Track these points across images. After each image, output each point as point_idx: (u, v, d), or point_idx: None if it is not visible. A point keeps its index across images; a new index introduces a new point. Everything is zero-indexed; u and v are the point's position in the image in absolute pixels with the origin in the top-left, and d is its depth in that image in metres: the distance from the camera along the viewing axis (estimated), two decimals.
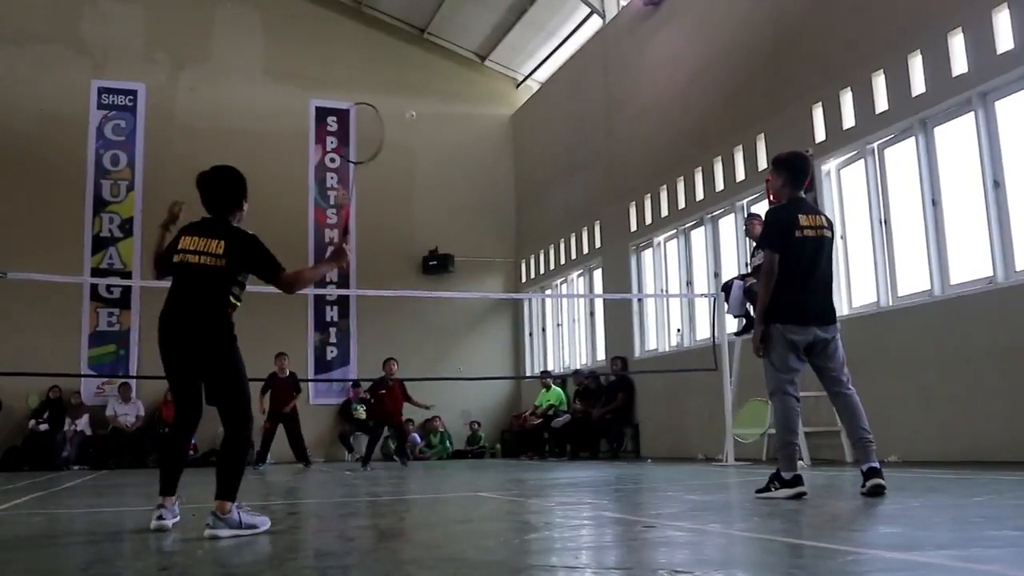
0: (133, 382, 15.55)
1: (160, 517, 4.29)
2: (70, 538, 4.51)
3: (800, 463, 8.94)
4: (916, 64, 9.04)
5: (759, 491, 5.26)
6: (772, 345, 5.27)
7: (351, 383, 16.63)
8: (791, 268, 5.20)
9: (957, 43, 8.58)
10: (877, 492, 4.86)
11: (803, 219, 5.27)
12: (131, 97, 16.87)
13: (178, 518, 4.42)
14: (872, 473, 4.95)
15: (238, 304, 4.50)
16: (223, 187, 4.64)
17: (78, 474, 12.68)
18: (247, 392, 4.44)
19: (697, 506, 5.24)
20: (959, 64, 8.54)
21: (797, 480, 5.09)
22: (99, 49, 16.85)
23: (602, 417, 13.71)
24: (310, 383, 16.58)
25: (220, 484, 4.16)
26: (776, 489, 5.12)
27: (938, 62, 8.74)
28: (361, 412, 16.43)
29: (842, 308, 9.93)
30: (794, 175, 5.44)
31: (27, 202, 15.67)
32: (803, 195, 5.58)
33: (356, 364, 16.92)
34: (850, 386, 5.28)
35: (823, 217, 5.47)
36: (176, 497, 4.48)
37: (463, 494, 7.14)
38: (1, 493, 7.81)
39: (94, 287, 15.89)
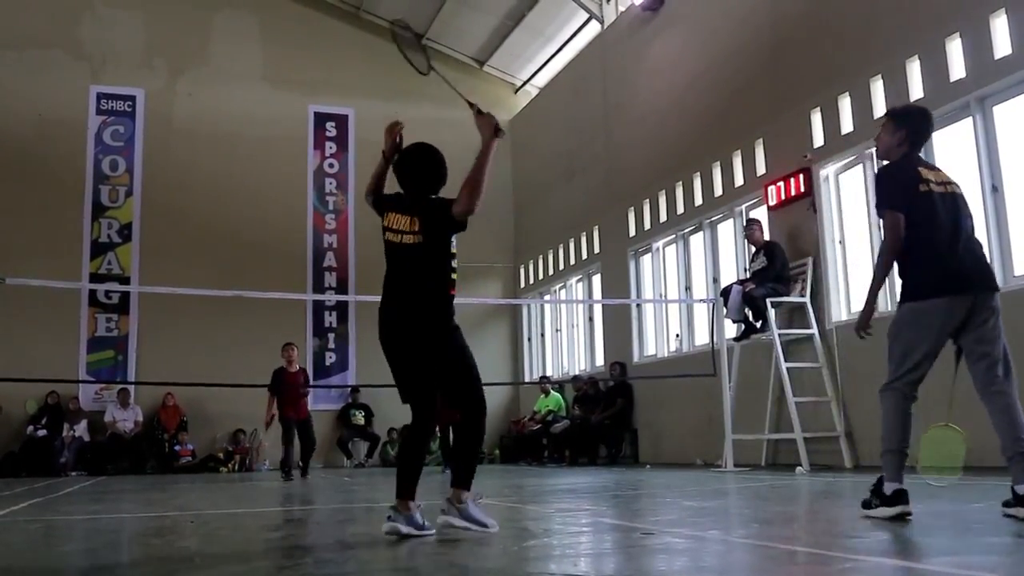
0: (132, 388, 15.55)
1: (389, 519, 4.18)
2: (68, 545, 4.50)
3: (799, 469, 8.93)
4: (914, 69, 9.05)
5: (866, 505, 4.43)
6: (901, 329, 4.42)
7: (350, 389, 16.62)
8: (926, 230, 4.31)
9: (955, 48, 8.59)
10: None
11: (925, 172, 4.48)
12: (130, 103, 16.88)
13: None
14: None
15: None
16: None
17: (76, 480, 12.66)
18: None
19: (696, 512, 5.23)
20: (957, 69, 8.55)
21: (900, 496, 4.23)
22: (98, 55, 16.87)
23: (601, 422, 13.70)
24: (309, 389, 16.56)
25: (457, 471, 4.31)
26: (875, 507, 4.32)
27: (936, 67, 8.75)
28: (360, 418, 16.42)
29: (840, 313, 9.95)
30: (918, 132, 4.64)
31: (26, 207, 15.68)
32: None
33: (355, 370, 16.90)
34: (1010, 384, 4.31)
35: (945, 173, 4.64)
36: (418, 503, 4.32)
37: None
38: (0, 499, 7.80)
39: (93, 292, 15.88)
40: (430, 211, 4.28)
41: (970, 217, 4.51)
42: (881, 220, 4.49)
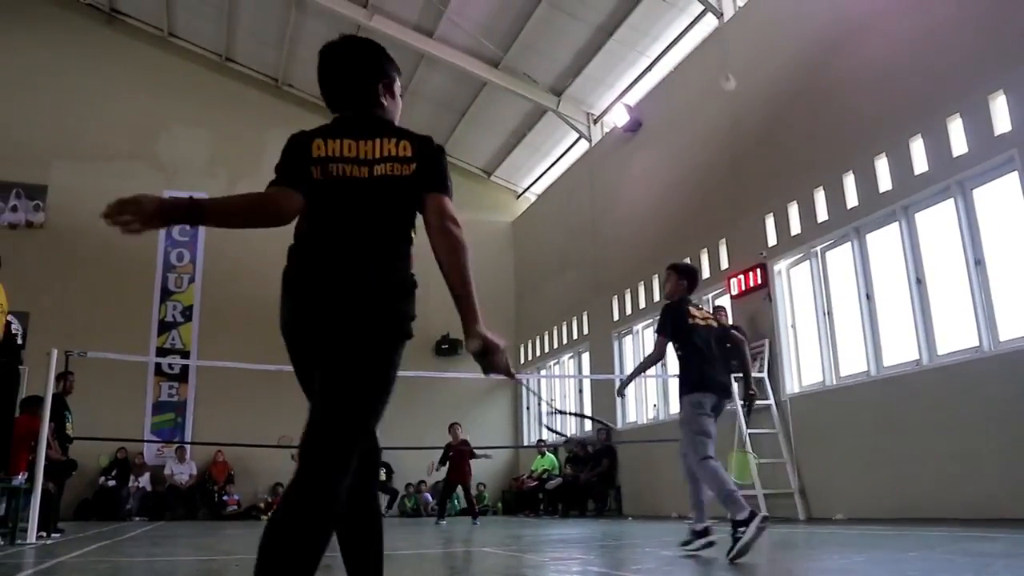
0: (188, 446, 15.45)
1: None
2: None
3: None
4: (849, 182, 9.21)
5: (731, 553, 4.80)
6: (692, 416, 5.31)
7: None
8: (695, 348, 5.47)
9: (882, 165, 8.76)
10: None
11: (693, 311, 5.64)
12: None
13: None
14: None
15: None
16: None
17: (139, 525, 12.47)
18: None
19: (670, 561, 5.15)
20: (884, 183, 8.71)
21: (753, 515, 4.75)
22: (171, 164, 17.21)
23: (589, 480, 13.52)
24: None
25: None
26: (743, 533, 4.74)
27: (867, 181, 8.91)
28: (381, 474, 16.18)
29: (793, 386, 9.92)
30: (692, 281, 5.83)
31: (106, 292, 15.83)
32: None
33: (381, 435, 16.75)
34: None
35: (707, 311, 5.97)
36: None
37: (469, 549, 7.03)
38: (74, 541, 7.68)
39: (158, 364, 15.89)
40: (421, 139, 2.39)
41: (723, 342, 5.70)
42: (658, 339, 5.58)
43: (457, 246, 2.25)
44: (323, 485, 2.03)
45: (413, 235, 2.37)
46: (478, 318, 2.27)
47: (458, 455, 12.62)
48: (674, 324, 5.51)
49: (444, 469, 12.86)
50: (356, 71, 2.50)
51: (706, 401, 5.30)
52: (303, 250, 2.37)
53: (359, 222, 2.28)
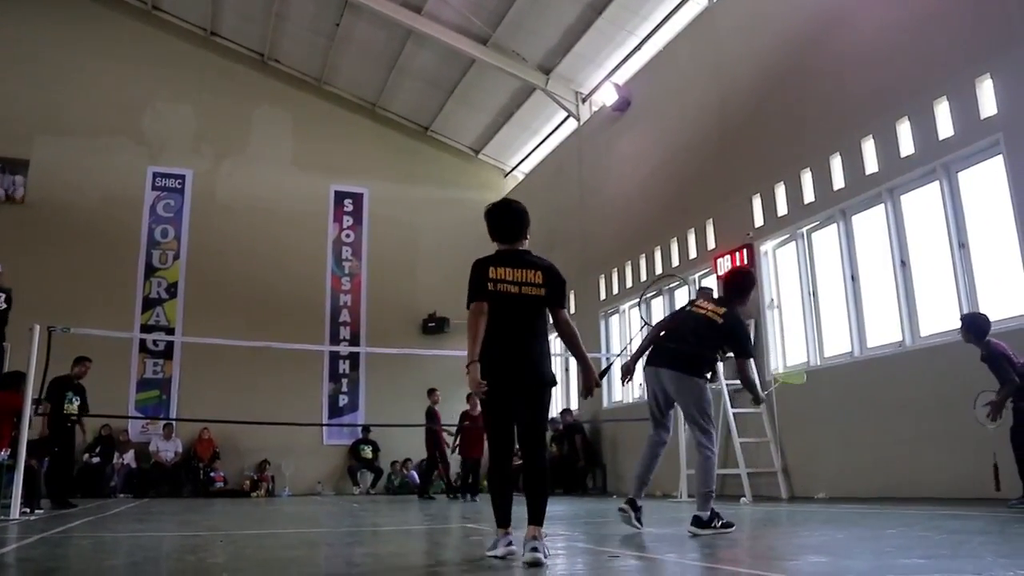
0: (173, 423, 15.39)
1: (509, 544, 4.11)
2: (114, 560, 4.42)
3: (743, 499, 8.92)
4: (836, 164, 9.23)
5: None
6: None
7: (360, 427, 16.47)
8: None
9: (869, 147, 8.77)
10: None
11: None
12: (180, 180, 16.98)
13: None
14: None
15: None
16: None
17: (123, 502, 12.44)
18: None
19: (655, 538, 5.19)
20: (871, 164, 8.73)
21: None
22: (156, 140, 17.01)
23: (567, 458, 13.51)
24: (324, 427, 16.42)
25: (534, 510, 4.04)
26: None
27: (854, 162, 8.93)
28: (368, 452, 16.24)
29: (779, 366, 9.98)
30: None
31: (90, 268, 15.66)
32: None
33: (364, 410, 16.78)
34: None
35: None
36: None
37: (455, 525, 7.06)
38: (57, 517, 7.66)
39: (142, 341, 15.79)
40: (551, 272, 4.15)
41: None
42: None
43: (575, 338, 4.17)
44: (542, 455, 4.09)
45: (548, 328, 4.09)
46: (593, 371, 4.18)
47: (475, 426, 12.00)
48: None
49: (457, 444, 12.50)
50: (520, 222, 4.33)
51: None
52: (490, 340, 3.92)
53: (516, 321, 3.98)
